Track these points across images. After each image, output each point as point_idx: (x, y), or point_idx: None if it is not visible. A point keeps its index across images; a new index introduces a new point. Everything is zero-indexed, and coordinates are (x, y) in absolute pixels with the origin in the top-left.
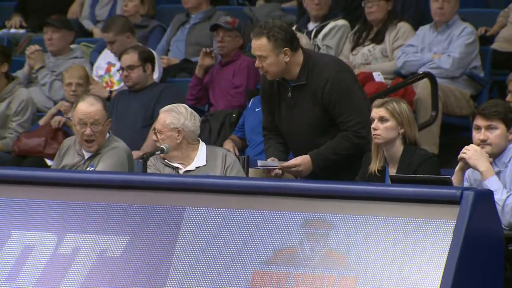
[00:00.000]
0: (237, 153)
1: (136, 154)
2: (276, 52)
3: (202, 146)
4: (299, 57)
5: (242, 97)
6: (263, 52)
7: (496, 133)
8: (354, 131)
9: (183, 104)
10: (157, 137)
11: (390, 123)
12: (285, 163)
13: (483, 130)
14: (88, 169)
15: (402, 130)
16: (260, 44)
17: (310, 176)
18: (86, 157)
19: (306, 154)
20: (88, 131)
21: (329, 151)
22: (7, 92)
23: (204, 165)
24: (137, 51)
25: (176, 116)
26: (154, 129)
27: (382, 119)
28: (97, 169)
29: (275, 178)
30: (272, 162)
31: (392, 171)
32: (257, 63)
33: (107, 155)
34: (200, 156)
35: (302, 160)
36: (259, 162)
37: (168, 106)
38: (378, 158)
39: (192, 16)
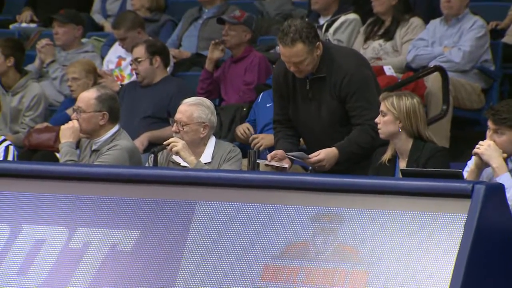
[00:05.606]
0: (253, 133)
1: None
2: (312, 51)
3: (211, 142)
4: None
5: (253, 93)
6: (301, 57)
7: (502, 139)
8: (371, 125)
9: (207, 99)
10: (180, 129)
11: (387, 117)
12: (311, 159)
13: (491, 132)
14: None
15: (400, 124)
16: (297, 51)
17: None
18: (91, 151)
19: (322, 148)
20: (73, 114)
21: (354, 144)
22: (20, 86)
23: (209, 162)
24: (146, 44)
25: (204, 110)
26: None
27: (381, 113)
28: None
29: (283, 172)
30: (285, 161)
31: (402, 164)
32: (293, 68)
33: (105, 153)
34: (207, 153)
35: (326, 155)
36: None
37: (194, 98)
38: (390, 149)
39: (206, 10)
